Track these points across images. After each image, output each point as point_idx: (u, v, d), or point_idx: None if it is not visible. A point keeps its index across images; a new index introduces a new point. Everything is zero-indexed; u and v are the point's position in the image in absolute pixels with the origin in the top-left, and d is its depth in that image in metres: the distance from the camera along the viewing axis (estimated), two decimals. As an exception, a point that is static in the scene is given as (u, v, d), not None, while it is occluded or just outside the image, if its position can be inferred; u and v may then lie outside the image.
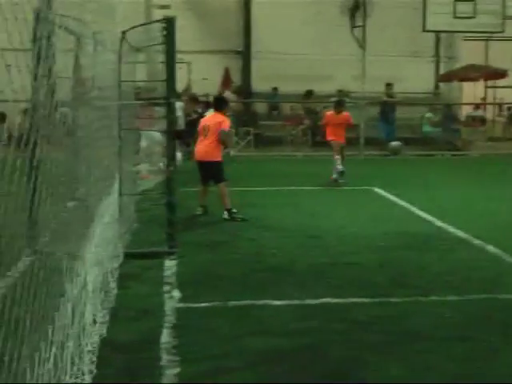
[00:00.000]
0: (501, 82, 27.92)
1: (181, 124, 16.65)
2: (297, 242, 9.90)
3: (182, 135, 16.36)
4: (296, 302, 7.13)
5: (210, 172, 11.54)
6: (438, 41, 27.04)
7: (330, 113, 16.11)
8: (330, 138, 15.78)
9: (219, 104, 11.91)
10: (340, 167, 15.36)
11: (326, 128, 16.06)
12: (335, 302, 7.13)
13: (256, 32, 26.17)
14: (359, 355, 5.74)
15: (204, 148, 11.50)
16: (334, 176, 15.42)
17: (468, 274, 8.31)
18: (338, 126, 15.76)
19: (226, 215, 11.36)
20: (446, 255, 9.22)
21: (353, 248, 9.55)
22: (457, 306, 7.10)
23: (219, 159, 11.51)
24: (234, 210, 11.39)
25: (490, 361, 5.69)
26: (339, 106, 16.09)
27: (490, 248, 9.52)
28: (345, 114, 15.96)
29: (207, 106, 18.44)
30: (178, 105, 14.83)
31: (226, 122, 11.48)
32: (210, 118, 11.87)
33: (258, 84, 25.90)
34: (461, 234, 10.43)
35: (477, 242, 9.91)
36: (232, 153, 11.90)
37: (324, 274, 8.20)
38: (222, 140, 11.42)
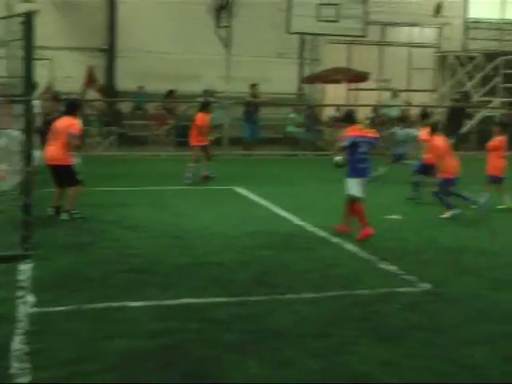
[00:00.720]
0: (362, 85, 28.77)
1: (38, 122, 16.15)
2: (161, 242, 9.86)
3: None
4: (156, 302, 7.11)
5: (61, 175, 11.36)
6: (302, 43, 27.52)
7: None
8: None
9: (70, 107, 11.76)
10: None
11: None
12: (195, 302, 7.16)
13: (121, 30, 25.77)
14: (218, 354, 5.78)
15: (52, 151, 11.37)
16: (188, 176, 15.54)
17: (326, 271, 8.52)
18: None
19: (65, 216, 11.21)
20: (306, 254, 9.43)
21: (216, 248, 9.59)
22: (315, 302, 7.28)
23: (68, 163, 11.36)
24: (74, 211, 11.25)
25: (346, 355, 5.86)
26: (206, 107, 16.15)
27: (348, 246, 9.80)
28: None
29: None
30: (35, 103, 14.37)
31: (75, 126, 11.39)
32: (61, 120, 11.63)
33: (123, 83, 25.50)
34: (321, 232, 10.68)
35: (335, 240, 10.17)
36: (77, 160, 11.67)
37: (186, 275, 8.21)
38: (69, 143, 11.25)
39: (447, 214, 12.15)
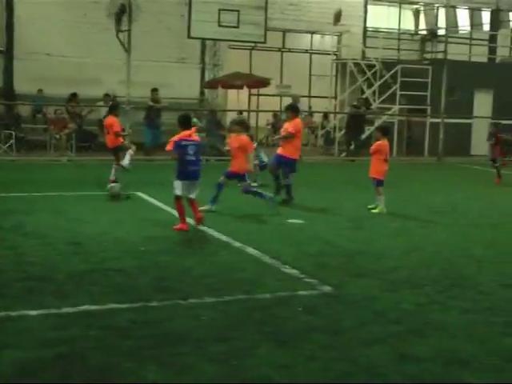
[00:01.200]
0: (264, 91, 29.04)
1: None
2: (58, 249, 9.67)
3: None
4: (54, 310, 6.95)
5: None
6: (203, 48, 27.56)
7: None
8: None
9: None
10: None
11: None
12: (94, 309, 7.05)
13: (19, 31, 25.19)
14: (117, 361, 5.72)
15: None
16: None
17: (228, 275, 8.55)
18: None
19: None
20: (208, 258, 9.41)
21: (115, 254, 9.48)
22: (216, 307, 7.29)
23: None
24: None
25: (248, 358, 5.88)
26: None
27: (250, 250, 9.87)
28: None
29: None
30: None
31: None
32: None
33: (22, 85, 24.92)
34: (222, 237, 10.70)
35: (237, 244, 10.23)
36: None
37: (84, 281, 8.07)
38: None
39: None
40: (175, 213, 12.44)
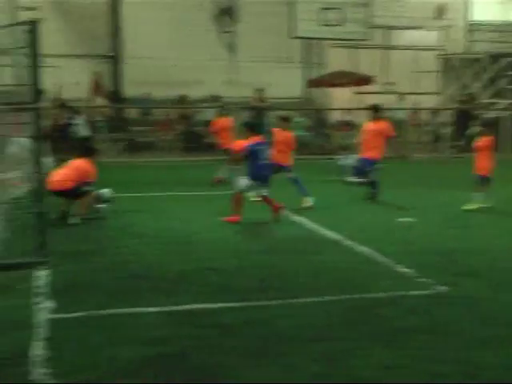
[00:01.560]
0: (367, 89, 28.82)
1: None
2: (167, 248, 9.94)
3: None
4: (162, 308, 7.15)
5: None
6: (306, 47, 27.60)
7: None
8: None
9: None
10: None
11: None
12: (198, 308, 7.18)
13: (126, 36, 25.91)
14: (224, 360, 5.84)
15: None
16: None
17: (331, 275, 8.56)
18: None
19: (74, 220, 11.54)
20: (312, 257, 9.43)
21: (219, 254, 9.64)
22: (320, 307, 7.29)
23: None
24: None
25: (352, 359, 5.91)
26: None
27: (363, 249, 9.85)
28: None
29: (75, 112, 18.18)
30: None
31: None
32: None
33: (130, 89, 25.63)
34: (333, 235, 10.77)
35: (349, 243, 10.24)
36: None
37: (191, 280, 8.25)
38: None
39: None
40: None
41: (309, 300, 7.53)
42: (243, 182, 11.76)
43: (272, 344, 6.18)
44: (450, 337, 6.48)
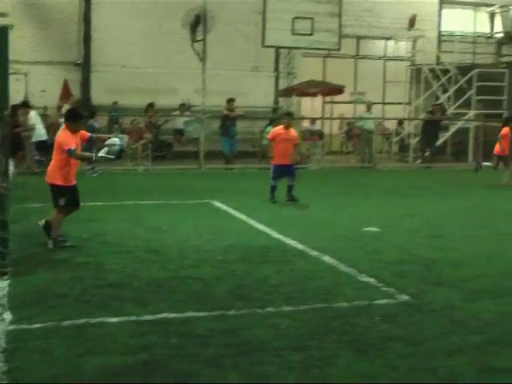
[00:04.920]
0: (338, 98, 28.97)
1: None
2: (137, 256, 9.81)
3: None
4: (134, 318, 7.06)
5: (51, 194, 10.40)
6: (277, 56, 27.65)
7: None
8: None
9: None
10: None
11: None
12: (173, 317, 7.11)
13: (96, 43, 25.77)
14: (197, 369, 5.75)
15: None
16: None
17: (304, 284, 8.53)
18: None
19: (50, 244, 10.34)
20: (284, 267, 9.41)
21: (193, 262, 9.57)
22: (293, 316, 7.27)
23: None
24: (60, 239, 10.42)
25: (327, 367, 5.86)
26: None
27: (327, 258, 9.84)
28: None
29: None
30: None
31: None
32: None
33: (99, 97, 25.46)
34: (298, 245, 10.70)
35: (314, 253, 10.20)
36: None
37: (163, 289, 8.17)
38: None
39: None
40: (252, 222, 12.56)
41: (284, 309, 7.48)
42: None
43: (248, 353, 6.10)
44: (424, 345, 6.44)
